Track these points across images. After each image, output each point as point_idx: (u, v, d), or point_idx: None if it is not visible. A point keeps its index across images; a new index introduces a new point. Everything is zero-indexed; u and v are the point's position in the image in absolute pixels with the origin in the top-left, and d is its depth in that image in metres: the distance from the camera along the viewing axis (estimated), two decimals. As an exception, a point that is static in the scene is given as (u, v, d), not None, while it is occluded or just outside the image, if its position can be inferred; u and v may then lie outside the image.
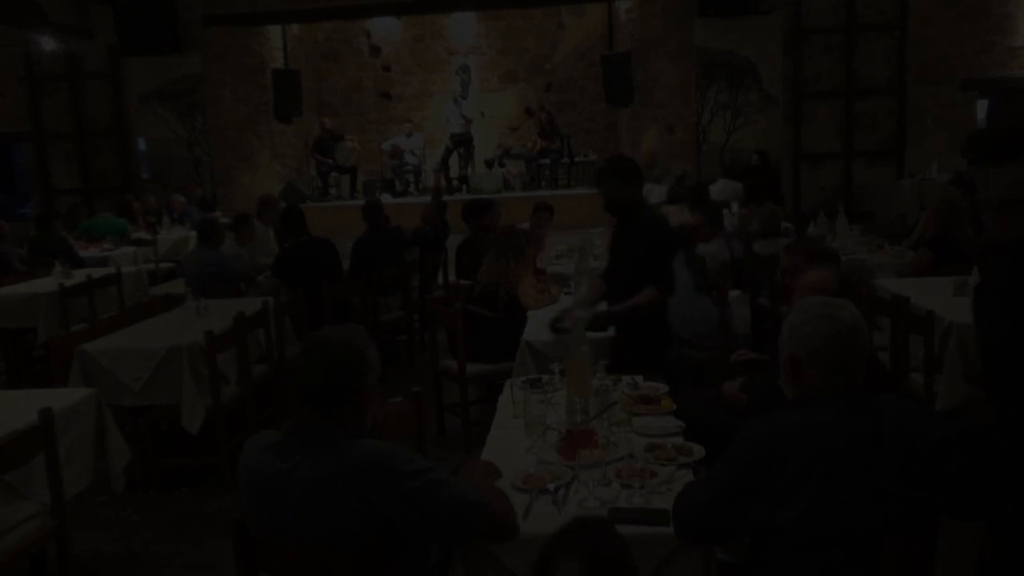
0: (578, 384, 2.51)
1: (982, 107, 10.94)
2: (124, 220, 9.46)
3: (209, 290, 5.35)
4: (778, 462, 1.75)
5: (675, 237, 3.90)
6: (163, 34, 11.16)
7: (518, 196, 11.69)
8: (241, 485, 1.97)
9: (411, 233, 7.08)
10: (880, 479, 1.72)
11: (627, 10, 12.27)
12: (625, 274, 3.81)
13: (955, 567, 1.97)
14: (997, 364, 1.60)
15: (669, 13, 11.19)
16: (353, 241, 6.59)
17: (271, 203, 7.63)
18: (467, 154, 13.21)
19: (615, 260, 3.95)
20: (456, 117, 13.06)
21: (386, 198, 11.33)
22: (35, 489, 2.92)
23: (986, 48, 10.87)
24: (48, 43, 11.11)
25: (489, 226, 6.41)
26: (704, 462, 2.34)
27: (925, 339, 3.69)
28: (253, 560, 1.95)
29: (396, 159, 13.10)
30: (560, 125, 13.26)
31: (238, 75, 12.06)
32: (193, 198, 10.98)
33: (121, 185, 11.55)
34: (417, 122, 13.97)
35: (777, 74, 10.80)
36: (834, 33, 10.78)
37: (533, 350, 3.97)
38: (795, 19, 10.72)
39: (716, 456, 1.93)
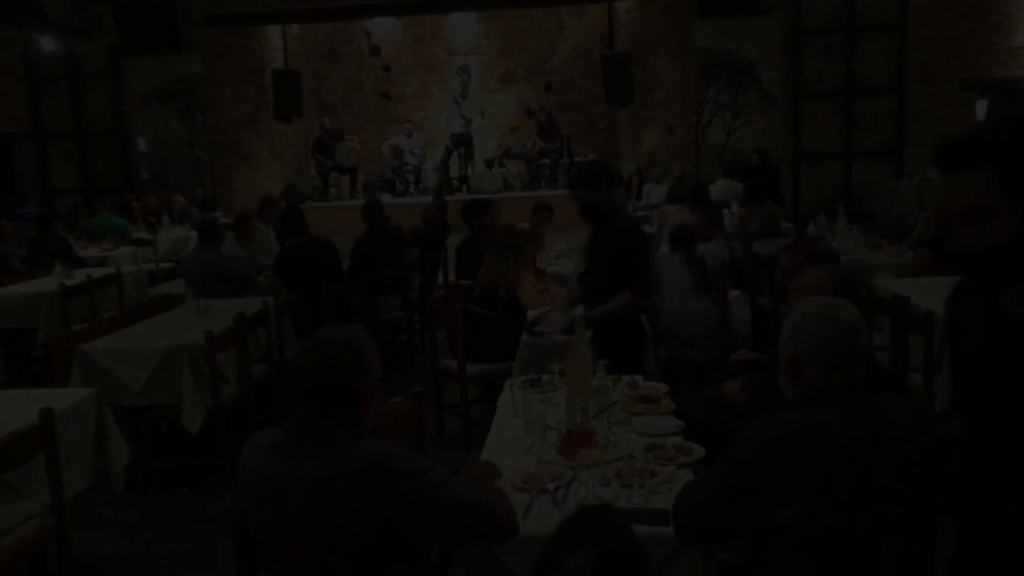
0: (578, 384, 2.51)
1: (982, 107, 10.94)
2: (124, 220, 9.46)
3: (209, 290, 5.35)
4: (778, 462, 1.75)
5: (648, 240, 3.93)
6: (163, 34, 11.15)
7: (518, 196, 11.69)
8: (241, 485, 1.97)
9: (411, 233, 7.08)
10: (880, 479, 1.72)
11: (627, 10, 12.27)
12: (600, 278, 3.84)
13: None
14: (970, 376, 1.60)
15: (669, 13, 11.19)
16: (353, 241, 6.59)
17: (272, 203, 7.63)
18: (467, 154, 13.21)
19: (590, 264, 3.97)
20: (456, 117, 13.06)
21: (386, 198, 11.32)
22: (35, 489, 2.92)
23: (986, 48, 10.86)
24: (48, 43, 11.11)
25: (489, 226, 6.41)
26: (704, 462, 2.34)
27: (925, 339, 3.69)
28: (253, 560, 1.95)
29: (396, 159, 13.10)
30: (560, 125, 13.26)
31: (238, 75, 12.06)
32: (193, 198, 10.98)
33: (121, 185, 11.54)
34: (417, 122, 13.97)
35: (777, 74, 10.80)
36: (834, 33, 10.78)
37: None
38: (795, 19, 10.72)
39: (716, 456, 1.93)
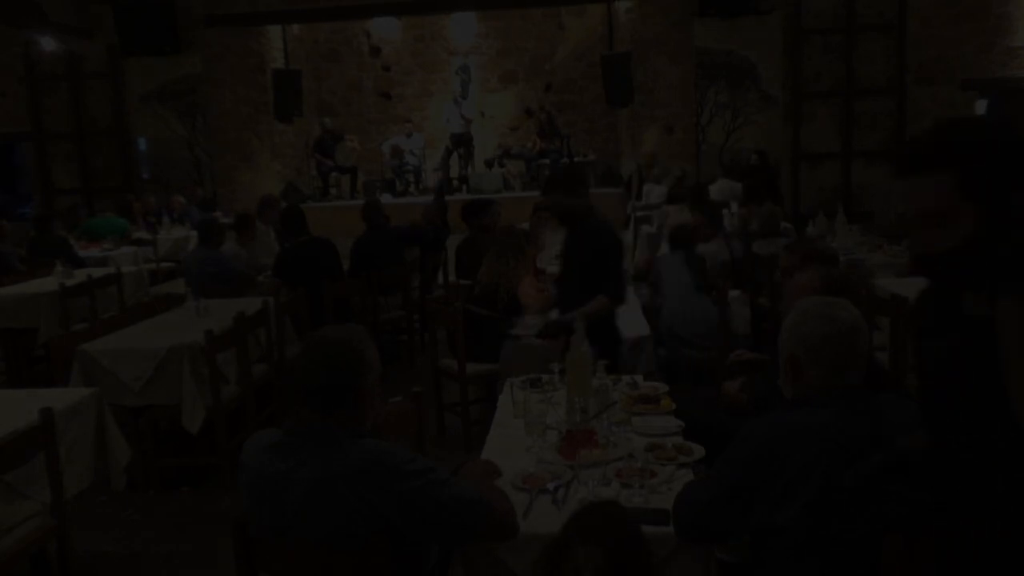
0: (578, 384, 2.52)
1: (981, 107, 10.94)
2: (124, 220, 9.47)
3: (209, 290, 5.35)
4: (778, 462, 1.75)
5: (622, 243, 3.92)
6: (163, 34, 11.15)
7: (518, 196, 11.69)
8: (241, 485, 1.98)
9: (409, 224, 7.09)
10: (880, 479, 1.72)
11: (627, 10, 12.27)
12: (575, 281, 3.83)
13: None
14: (935, 382, 1.60)
15: (669, 13, 11.19)
16: (353, 241, 6.59)
17: (272, 203, 7.63)
18: (467, 154, 13.22)
19: (564, 268, 3.97)
20: (456, 117, 13.07)
21: (386, 198, 11.33)
22: (35, 489, 2.92)
23: (986, 48, 10.86)
24: (48, 43, 11.11)
25: (489, 226, 6.41)
26: (704, 462, 2.34)
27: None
28: (253, 560, 1.96)
29: (396, 159, 13.10)
30: (560, 125, 13.26)
31: (238, 75, 12.06)
32: (193, 198, 10.98)
33: (121, 185, 11.54)
34: (417, 122, 13.98)
35: (777, 74, 10.80)
36: (834, 33, 10.77)
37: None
38: (795, 19, 10.71)
39: (716, 456, 1.93)
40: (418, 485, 1.86)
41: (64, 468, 2.96)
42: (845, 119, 10.97)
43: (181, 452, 4.39)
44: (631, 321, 4.52)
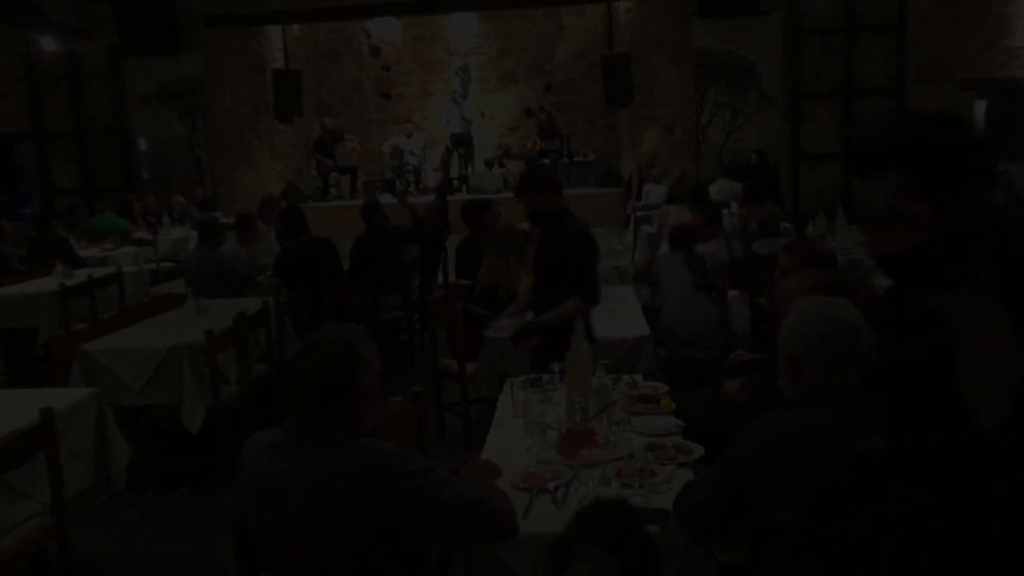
0: (578, 383, 2.52)
1: (981, 107, 10.94)
2: (125, 220, 9.47)
3: (209, 290, 5.35)
4: (777, 462, 1.75)
5: (595, 245, 3.86)
6: (163, 34, 11.15)
7: (518, 196, 11.67)
8: (241, 485, 1.98)
9: (409, 214, 7.11)
10: (880, 479, 1.72)
11: (627, 10, 12.27)
12: (549, 283, 3.80)
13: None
14: (899, 383, 1.59)
15: (669, 13, 11.19)
16: (353, 241, 6.59)
17: (273, 203, 7.64)
18: (467, 154, 13.22)
19: (538, 268, 3.93)
20: (456, 117, 13.08)
21: (386, 198, 11.33)
22: (36, 488, 2.92)
23: (986, 48, 10.86)
24: (48, 43, 11.11)
25: (489, 226, 6.40)
26: (704, 462, 2.34)
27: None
28: (253, 560, 1.96)
29: (396, 159, 13.11)
30: (560, 125, 13.27)
31: (238, 75, 12.06)
32: (193, 198, 10.98)
33: (121, 185, 11.54)
34: (417, 122, 13.98)
35: (776, 74, 10.80)
36: (833, 33, 10.77)
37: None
38: (795, 19, 10.71)
39: (716, 456, 1.93)
40: (418, 485, 1.86)
41: (64, 468, 2.96)
42: (845, 119, 10.96)
43: (181, 452, 4.39)
44: (631, 321, 4.53)
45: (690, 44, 10.92)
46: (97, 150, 11.78)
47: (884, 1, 10.68)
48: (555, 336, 3.57)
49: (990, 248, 1.38)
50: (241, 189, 11.88)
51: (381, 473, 1.85)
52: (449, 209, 7.86)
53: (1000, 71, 10.84)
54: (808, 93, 10.90)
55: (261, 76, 12.38)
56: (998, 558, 1.57)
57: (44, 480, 2.88)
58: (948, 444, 1.50)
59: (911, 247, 1.46)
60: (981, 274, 1.35)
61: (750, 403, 2.80)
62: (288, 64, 12.89)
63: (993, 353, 1.35)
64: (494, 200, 7.20)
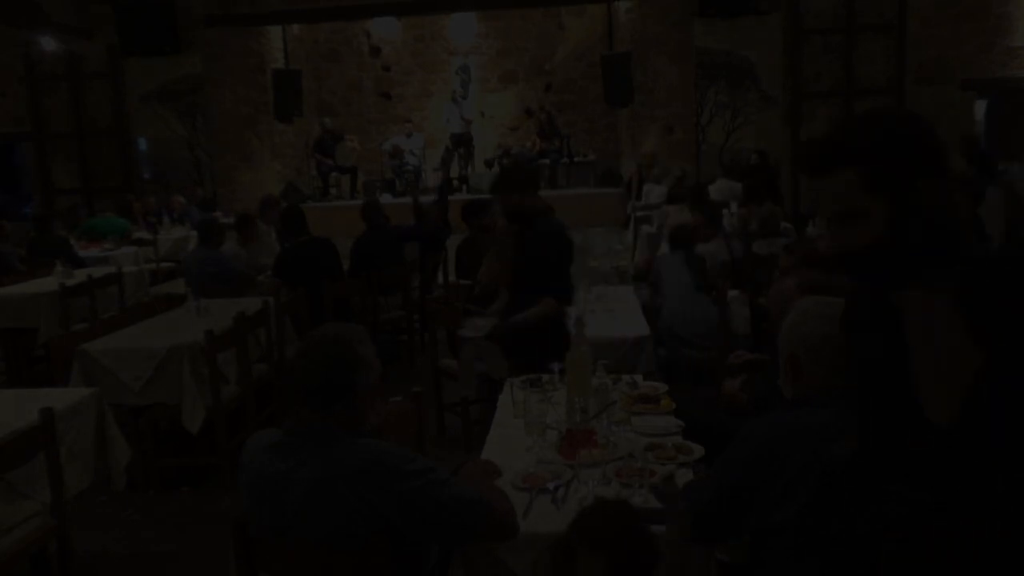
0: (578, 383, 2.52)
1: (981, 107, 10.95)
2: (125, 220, 9.47)
3: (209, 290, 5.35)
4: (777, 462, 1.75)
5: (571, 245, 3.82)
6: (163, 34, 11.16)
7: (518, 196, 11.67)
8: (241, 485, 1.98)
9: (414, 219, 7.11)
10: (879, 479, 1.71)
11: (627, 10, 12.28)
12: (526, 283, 3.77)
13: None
14: (866, 383, 1.59)
15: (669, 13, 11.20)
16: (353, 241, 6.59)
17: (273, 203, 7.64)
18: (467, 154, 13.23)
19: (516, 269, 3.90)
20: (456, 117, 13.08)
21: (386, 198, 11.34)
22: (36, 488, 2.92)
23: (986, 48, 10.87)
24: (48, 43, 11.12)
25: (489, 226, 6.40)
26: (704, 462, 2.34)
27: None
28: (253, 560, 1.96)
29: (396, 159, 13.11)
30: (560, 125, 13.27)
31: (238, 75, 12.07)
32: (193, 198, 10.98)
33: (121, 185, 11.55)
34: (417, 122, 13.98)
35: (776, 74, 10.80)
36: (833, 33, 10.78)
37: None
38: (795, 19, 10.71)
39: (716, 456, 1.93)
40: (418, 485, 1.86)
41: (64, 468, 2.96)
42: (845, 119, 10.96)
43: (181, 452, 4.39)
44: (631, 321, 4.52)
45: (690, 44, 10.92)
46: (97, 150, 11.78)
47: (884, 1, 10.68)
48: (527, 338, 3.57)
49: (948, 247, 1.38)
50: (241, 189, 11.88)
51: (381, 473, 1.85)
52: (449, 209, 7.87)
53: (1000, 71, 10.85)
54: (808, 93, 10.90)
55: (261, 76, 12.38)
56: (998, 558, 1.57)
57: (44, 480, 2.88)
58: (932, 443, 1.50)
59: (865, 246, 1.46)
60: (935, 272, 1.35)
61: (750, 403, 2.80)
62: (288, 64, 12.90)
63: (946, 350, 1.35)
64: (494, 200, 7.20)
